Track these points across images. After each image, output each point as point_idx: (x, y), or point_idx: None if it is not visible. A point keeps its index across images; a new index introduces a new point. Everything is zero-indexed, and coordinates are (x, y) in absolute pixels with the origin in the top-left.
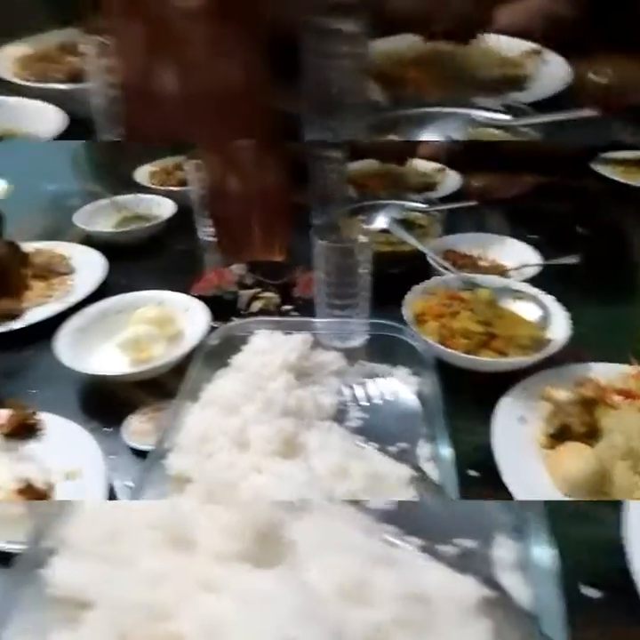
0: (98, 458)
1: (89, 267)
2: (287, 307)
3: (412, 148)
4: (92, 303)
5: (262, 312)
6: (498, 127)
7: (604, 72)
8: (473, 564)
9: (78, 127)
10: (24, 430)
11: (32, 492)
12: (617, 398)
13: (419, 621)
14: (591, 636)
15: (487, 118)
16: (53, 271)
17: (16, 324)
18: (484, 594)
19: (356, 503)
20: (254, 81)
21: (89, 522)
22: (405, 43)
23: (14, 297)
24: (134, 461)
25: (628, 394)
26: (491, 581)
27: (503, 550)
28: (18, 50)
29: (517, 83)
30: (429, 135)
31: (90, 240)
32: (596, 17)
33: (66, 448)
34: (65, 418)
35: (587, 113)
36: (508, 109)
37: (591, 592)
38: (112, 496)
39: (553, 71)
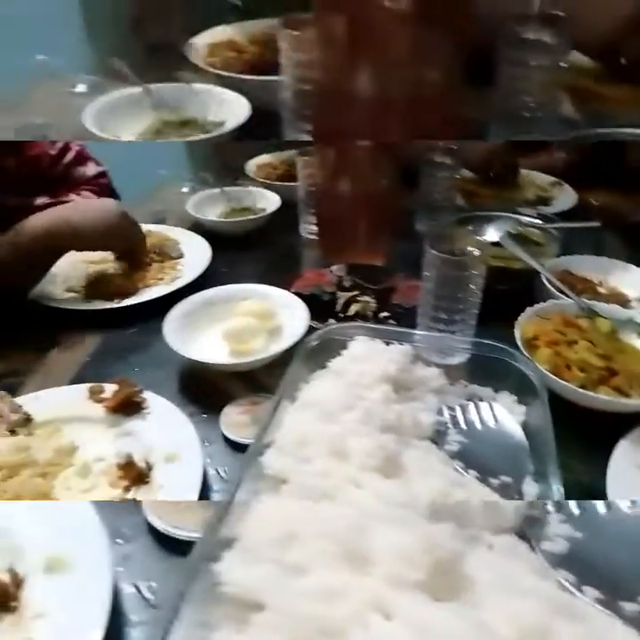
0: (196, 444)
1: (195, 253)
2: (384, 314)
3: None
4: (195, 289)
5: (358, 316)
6: None
7: None
8: None
9: (259, 120)
10: (129, 407)
11: (132, 469)
12: None
13: None
14: None
15: None
16: (165, 254)
17: (128, 302)
18: None
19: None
20: (449, 87)
21: (264, 522)
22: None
23: (132, 275)
24: (228, 451)
25: None
26: None
27: None
28: (211, 37)
29: None
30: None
31: (196, 227)
32: None
33: (166, 430)
34: (166, 399)
35: None
36: None
37: None
38: (205, 483)
39: None
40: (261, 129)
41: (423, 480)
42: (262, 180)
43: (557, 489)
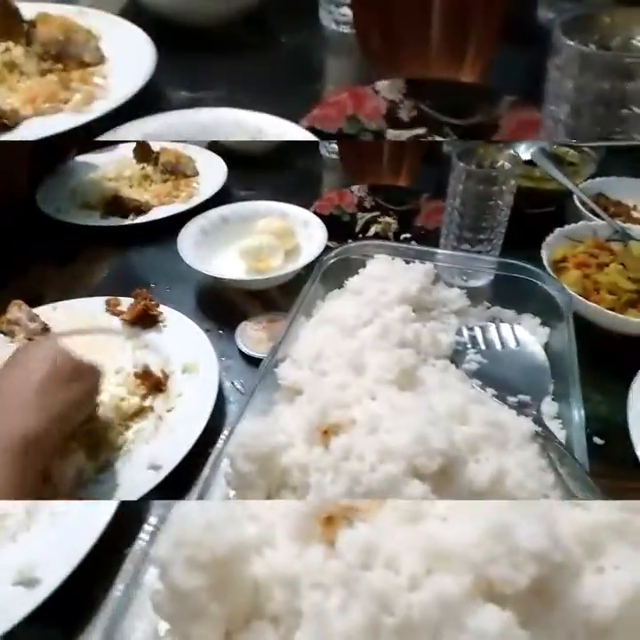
0: (212, 356)
1: (212, 171)
2: (406, 235)
3: None
4: (211, 208)
5: (378, 237)
6: None
7: None
8: None
9: None
10: (146, 320)
11: (149, 378)
12: None
13: None
14: None
15: None
16: (180, 172)
17: (143, 219)
18: None
19: None
20: None
21: (304, 346)
22: None
23: (147, 193)
24: (244, 365)
25: None
26: None
27: None
28: None
29: None
30: None
31: (213, 146)
32: None
33: (182, 342)
34: (182, 314)
35: None
36: None
37: None
38: (221, 394)
39: None
40: None
41: (441, 395)
42: None
43: (578, 409)
